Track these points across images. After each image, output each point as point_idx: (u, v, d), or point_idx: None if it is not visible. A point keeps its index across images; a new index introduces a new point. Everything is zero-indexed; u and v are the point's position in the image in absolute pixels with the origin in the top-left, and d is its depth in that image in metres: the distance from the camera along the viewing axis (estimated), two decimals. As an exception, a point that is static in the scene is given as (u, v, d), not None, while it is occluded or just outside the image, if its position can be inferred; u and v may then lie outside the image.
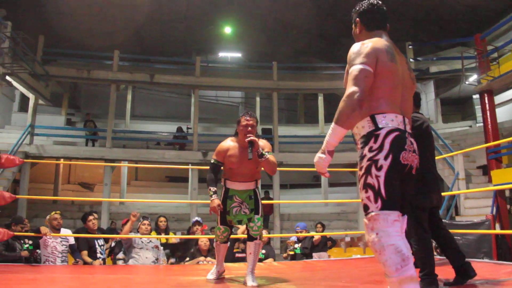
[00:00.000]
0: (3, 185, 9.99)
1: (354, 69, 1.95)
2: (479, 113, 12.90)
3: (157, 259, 5.09)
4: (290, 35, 16.51)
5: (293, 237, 6.64)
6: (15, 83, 11.21)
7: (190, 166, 12.23)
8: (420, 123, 2.98)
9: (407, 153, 1.94)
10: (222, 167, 3.47)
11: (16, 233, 4.65)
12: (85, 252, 4.99)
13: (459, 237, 5.74)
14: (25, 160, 7.11)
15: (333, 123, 1.93)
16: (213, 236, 3.80)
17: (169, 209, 13.24)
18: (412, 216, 2.77)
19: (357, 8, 2.22)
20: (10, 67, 10.35)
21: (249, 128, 3.30)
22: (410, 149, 1.97)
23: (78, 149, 12.93)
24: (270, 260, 5.69)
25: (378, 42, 2.03)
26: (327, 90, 14.65)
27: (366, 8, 2.18)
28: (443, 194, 4.16)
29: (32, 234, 4.83)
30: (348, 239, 11.59)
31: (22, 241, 5.02)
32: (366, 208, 1.90)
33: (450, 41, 13.24)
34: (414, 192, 2.16)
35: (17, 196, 4.78)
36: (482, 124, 10.50)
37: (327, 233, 7.23)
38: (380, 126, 1.93)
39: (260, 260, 5.02)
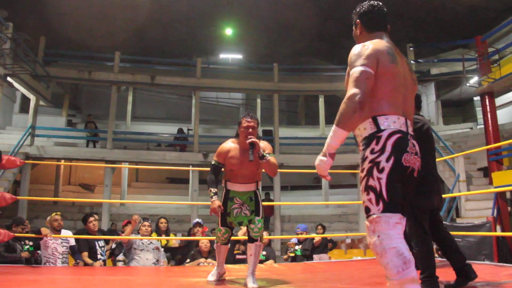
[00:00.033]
0: (4, 186, 10.00)
1: (355, 71, 1.94)
2: (480, 115, 12.91)
3: (157, 260, 5.08)
4: (290, 36, 16.52)
5: (294, 239, 6.64)
6: (16, 84, 11.23)
7: (190, 168, 12.23)
8: (420, 125, 2.98)
9: (409, 155, 1.92)
10: (222, 169, 3.47)
11: (16, 234, 4.65)
12: (85, 254, 4.98)
13: (459, 239, 5.73)
14: (26, 161, 7.12)
15: (334, 126, 1.92)
16: (214, 237, 3.80)
17: (169, 210, 13.23)
18: (412, 218, 2.77)
19: (358, 9, 2.21)
20: (11, 68, 10.37)
21: (250, 130, 3.29)
22: (412, 152, 1.95)
23: (78, 150, 12.94)
24: (270, 261, 5.69)
25: (379, 43, 2.02)
26: (328, 91, 14.66)
27: (367, 9, 2.17)
28: (443, 196, 4.16)
29: (33, 235, 4.83)
30: (348, 241, 11.59)
31: (22, 242, 5.02)
32: (367, 210, 1.88)
33: (451, 43, 13.23)
34: (414, 193, 2.15)
35: (17, 197, 4.78)
36: (483, 126, 10.50)
37: (327, 235, 7.23)
38: (382, 127, 1.92)
39: (261, 262, 5.02)
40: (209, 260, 5.21)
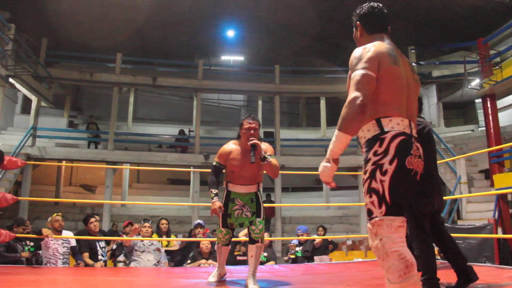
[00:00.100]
0: (5, 186, 10.02)
1: (356, 74, 1.92)
2: (481, 117, 12.92)
3: (158, 261, 5.08)
4: (292, 38, 16.54)
5: (295, 240, 6.64)
6: (17, 85, 11.25)
7: (192, 169, 12.24)
8: (421, 128, 2.98)
9: (412, 158, 1.89)
10: (224, 170, 3.47)
11: (17, 235, 4.65)
12: (86, 254, 4.99)
13: (461, 241, 5.73)
14: (27, 162, 7.13)
15: (336, 130, 1.90)
16: (215, 238, 3.80)
17: (170, 211, 13.24)
18: (413, 220, 2.77)
19: (358, 11, 2.19)
20: (13, 69, 10.40)
21: (252, 131, 3.29)
22: (416, 154, 1.93)
23: (80, 151, 12.96)
24: (271, 263, 5.69)
25: (380, 45, 2.00)
26: (329, 93, 14.68)
27: (367, 11, 2.15)
28: (445, 198, 4.15)
29: (34, 236, 4.84)
30: (349, 242, 11.58)
31: (23, 243, 5.03)
32: (370, 213, 1.86)
33: (452, 45, 13.22)
34: (415, 196, 2.15)
35: (19, 198, 4.79)
36: (484, 128, 10.50)
37: (328, 237, 7.23)
38: (385, 129, 1.89)
39: (262, 263, 5.01)
40: (210, 261, 5.20)
